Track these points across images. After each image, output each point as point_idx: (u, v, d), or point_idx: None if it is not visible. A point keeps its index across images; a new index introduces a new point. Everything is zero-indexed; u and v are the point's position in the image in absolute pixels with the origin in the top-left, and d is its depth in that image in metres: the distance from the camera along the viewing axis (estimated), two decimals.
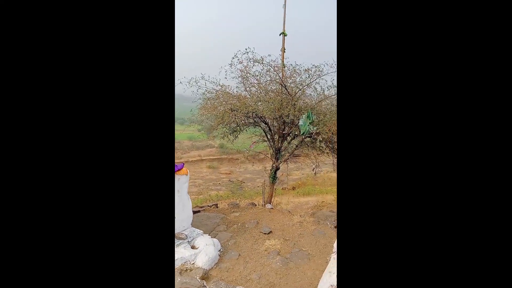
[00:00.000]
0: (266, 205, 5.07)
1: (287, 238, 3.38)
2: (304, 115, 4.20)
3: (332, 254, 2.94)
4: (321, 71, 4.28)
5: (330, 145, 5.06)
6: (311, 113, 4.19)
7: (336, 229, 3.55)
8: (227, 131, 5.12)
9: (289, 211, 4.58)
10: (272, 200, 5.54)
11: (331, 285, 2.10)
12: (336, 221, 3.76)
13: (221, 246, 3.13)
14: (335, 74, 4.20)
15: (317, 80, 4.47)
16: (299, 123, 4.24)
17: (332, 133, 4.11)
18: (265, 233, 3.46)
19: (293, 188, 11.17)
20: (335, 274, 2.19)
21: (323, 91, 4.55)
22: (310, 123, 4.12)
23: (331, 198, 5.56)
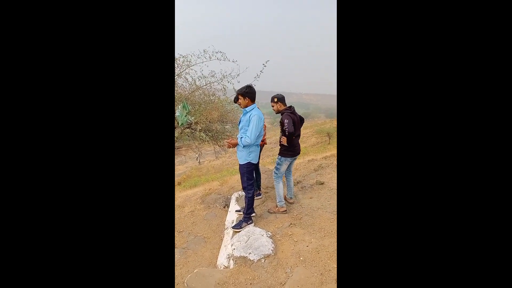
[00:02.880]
0: None
1: (180, 230, 3.36)
2: (179, 106, 4.15)
3: (224, 231, 3.21)
4: (189, 61, 4.32)
5: (210, 134, 5.30)
6: (186, 103, 4.20)
7: (226, 208, 3.85)
8: None
9: (178, 205, 4.50)
10: None
11: (228, 255, 2.32)
12: (224, 202, 4.06)
13: None
14: (204, 64, 4.36)
15: (187, 71, 4.49)
16: (176, 114, 4.16)
17: (210, 121, 4.31)
18: None
19: (179, 183, 10.90)
20: (230, 245, 2.43)
21: (195, 81, 4.64)
22: (187, 113, 4.13)
23: (217, 183, 5.89)
